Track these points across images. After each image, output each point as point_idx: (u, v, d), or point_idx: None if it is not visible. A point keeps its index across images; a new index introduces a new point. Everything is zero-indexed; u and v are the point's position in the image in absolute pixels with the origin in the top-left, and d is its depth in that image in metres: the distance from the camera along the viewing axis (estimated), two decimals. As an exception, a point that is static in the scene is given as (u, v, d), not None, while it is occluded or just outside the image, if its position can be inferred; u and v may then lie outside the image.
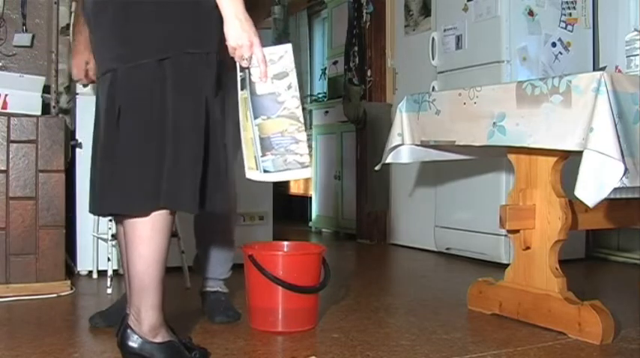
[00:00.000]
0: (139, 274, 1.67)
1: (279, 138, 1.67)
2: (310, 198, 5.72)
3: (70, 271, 3.09)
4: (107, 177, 1.67)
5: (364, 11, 4.68)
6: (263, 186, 3.50)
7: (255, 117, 1.68)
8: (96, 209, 1.76)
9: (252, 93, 1.68)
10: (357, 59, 4.73)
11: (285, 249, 2.40)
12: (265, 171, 1.69)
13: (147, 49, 1.64)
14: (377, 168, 2.92)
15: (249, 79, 1.68)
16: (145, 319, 1.68)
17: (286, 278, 2.13)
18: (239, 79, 1.70)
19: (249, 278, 2.21)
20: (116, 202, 1.66)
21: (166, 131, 1.65)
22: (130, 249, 1.68)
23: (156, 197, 1.64)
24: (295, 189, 6.22)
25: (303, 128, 1.70)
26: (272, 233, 3.66)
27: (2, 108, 2.80)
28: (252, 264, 2.15)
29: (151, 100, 1.64)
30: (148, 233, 1.66)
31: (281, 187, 6.20)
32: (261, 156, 1.68)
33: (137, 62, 1.64)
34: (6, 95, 2.80)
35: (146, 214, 1.65)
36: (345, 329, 2.22)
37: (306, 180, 5.94)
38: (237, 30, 1.63)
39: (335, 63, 5.45)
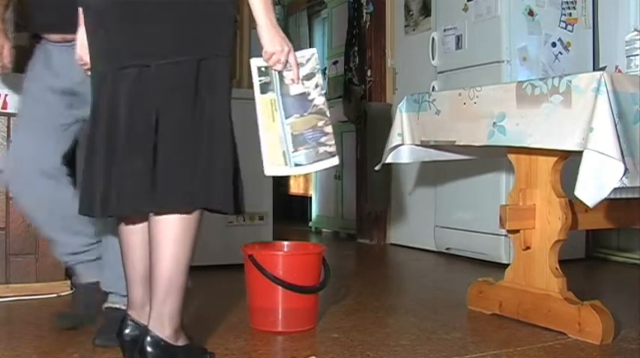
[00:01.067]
0: (168, 277, 1.63)
1: (312, 133, 1.81)
2: (310, 198, 5.72)
3: (70, 271, 3.09)
4: (141, 177, 1.62)
5: (364, 11, 4.68)
6: (263, 186, 3.50)
7: (288, 117, 1.80)
8: (120, 209, 1.66)
9: (284, 94, 1.80)
10: (357, 59, 4.74)
11: (285, 249, 2.40)
12: (297, 165, 1.81)
13: (186, 47, 1.64)
14: (377, 168, 2.92)
15: (281, 82, 1.80)
16: (170, 323, 1.65)
17: (286, 278, 2.13)
18: (258, 83, 1.80)
19: (249, 278, 2.21)
20: (153, 201, 1.62)
21: (203, 131, 1.65)
22: (160, 251, 1.64)
23: (194, 197, 1.63)
24: (295, 189, 6.22)
25: (330, 121, 1.84)
26: (272, 233, 3.66)
27: (2, 108, 2.80)
28: (252, 263, 2.16)
29: (190, 99, 1.64)
30: (180, 235, 1.64)
31: (281, 187, 6.21)
32: (293, 152, 1.79)
33: (176, 59, 1.63)
34: (6, 95, 2.80)
35: (187, 213, 1.64)
36: (345, 329, 2.22)
37: (306, 180, 5.94)
38: (275, 36, 1.74)
39: (335, 63, 5.45)
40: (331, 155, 1.82)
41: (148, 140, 1.62)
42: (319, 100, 1.82)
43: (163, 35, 1.64)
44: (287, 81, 1.81)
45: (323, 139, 1.81)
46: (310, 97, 1.82)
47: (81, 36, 1.83)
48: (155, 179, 1.62)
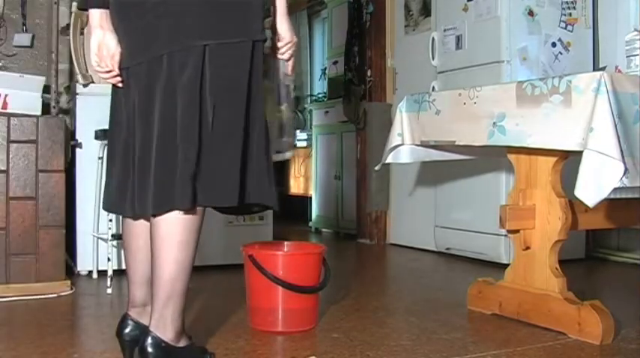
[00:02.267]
0: (172, 279, 1.61)
1: (290, 123, 1.91)
2: (310, 198, 5.72)
3: (70, 271, 3.09)
4: (201, 168, 1.57)
5: (364, 11, 4.68)
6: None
7: (281, 104, 1.87)
8: (163, 203, 1.58)
9: (281, 82, 1.88)
10: (357, 59, 4.73)
11: (285, 249, 2.40)
12: (277, 152, 1.86)
13: (241, 29, 1.61)
14: (377, 168, 2.92)
15: (282, 71, 1.87)
16: (172, 325, 1.63)
17: (286, 278, 2.13)
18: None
19: (249, 278, 2.21)
20: (209, 195, 1.58)
21: (250, 121, 1.64)
22: (163, 253, 1.61)
23: (240, 192, 1.60)
24: (295, 189, 6.22)
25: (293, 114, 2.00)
26: (272, 233, 3.66)
27: (2, 108, 2.80)
28: (252, 263, 2.15)
29: (246, 84, 1.62)
30: (185, 235, 1.61)
31: (281, 187, 6.20)
32: (277, 138, 1.86)
33: (235, 39, 1.60)
34: (6, 95, 2.81)
35: (192, 212, 1.61)
36: (345, 329, 2.22)
37: (306, 180, 5.95)
38: (290, 26, 1.81)
39: (335, 63, 5.45)
40: (291, 146, 1.95)
41: (206, 126, 1.58)
42: (292, 94, 1.93)
43: (223, 16, 1.59)
44: (288, 71, 1.88)
45: (291, 131, 1.95)
46: (290, 89, 1.91)
47: (96, 40, 1.68)
48: (206, 171, 1.58)
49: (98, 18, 1.67)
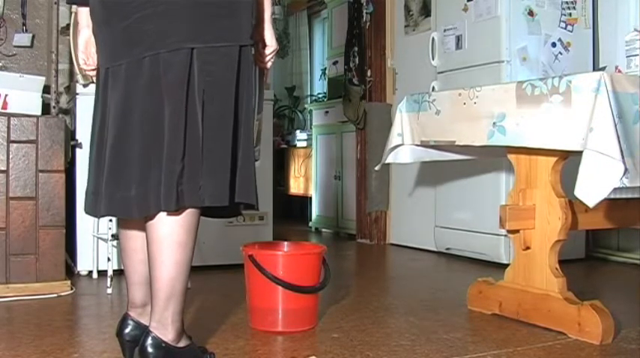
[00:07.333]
0: (171, 281, 1.61)
1: (260, 132, 1.88)
2: (310, 198, 5.72)
3: (70, 271, 3.09)
4: (192, 166, 1.58)
5: (364, 11, 4.68)
6: (263, 186, 3.49)
7: (258, 113, 1.83)
8: (150, 206, 1.57)
9: (261, 91, 1.84)
10: (357, 59, 4.73)
11: (285, 249, 2.40)
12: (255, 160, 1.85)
13: (229, 33, 1.61)
14: (377, 168, 2.92)
15: (260, 79, 1.83)
16: (173, 326, 1.63)
17: (286, 278, 2.13)
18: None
19: (249, 278, 2.21)
20: (199, 194, 1.57)
21: (238, 122, 1.65)
22: (162, 255, 1.60)
23: (230, 192, 1.61)
24: (295, 189, 6.22)
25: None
26: (272, 233, 3.66)
27: (2, 108, 2.80)
28: (252, 263, 2.16)
29: (234, 86, 1.62)
30: (184, 237, 1.61)
31: (281, 187, 6.20)
32: (254, 147, 1.81)
33: (223, 44, 1.60)
34: (6, 95, 2.81)
35: (189, 212, 1.60)
36: (345, 329, 2.22)
37: (306, 180, 5.95)
38: (274, 34, 1.81)
39: (335, 63, 5.46)
40: (259, 154, 1.88)
41: (196, 128, 1.58)
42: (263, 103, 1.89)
43: (209, 19, 1.59)
44: (264, 79, 1.88)
45: (260, 139, 1.89)
46: (263, 98, 1.89)
47: (83, 39, 1.75)
48: (201, 174, 1.58)
49: (86, 17, 1.73)
